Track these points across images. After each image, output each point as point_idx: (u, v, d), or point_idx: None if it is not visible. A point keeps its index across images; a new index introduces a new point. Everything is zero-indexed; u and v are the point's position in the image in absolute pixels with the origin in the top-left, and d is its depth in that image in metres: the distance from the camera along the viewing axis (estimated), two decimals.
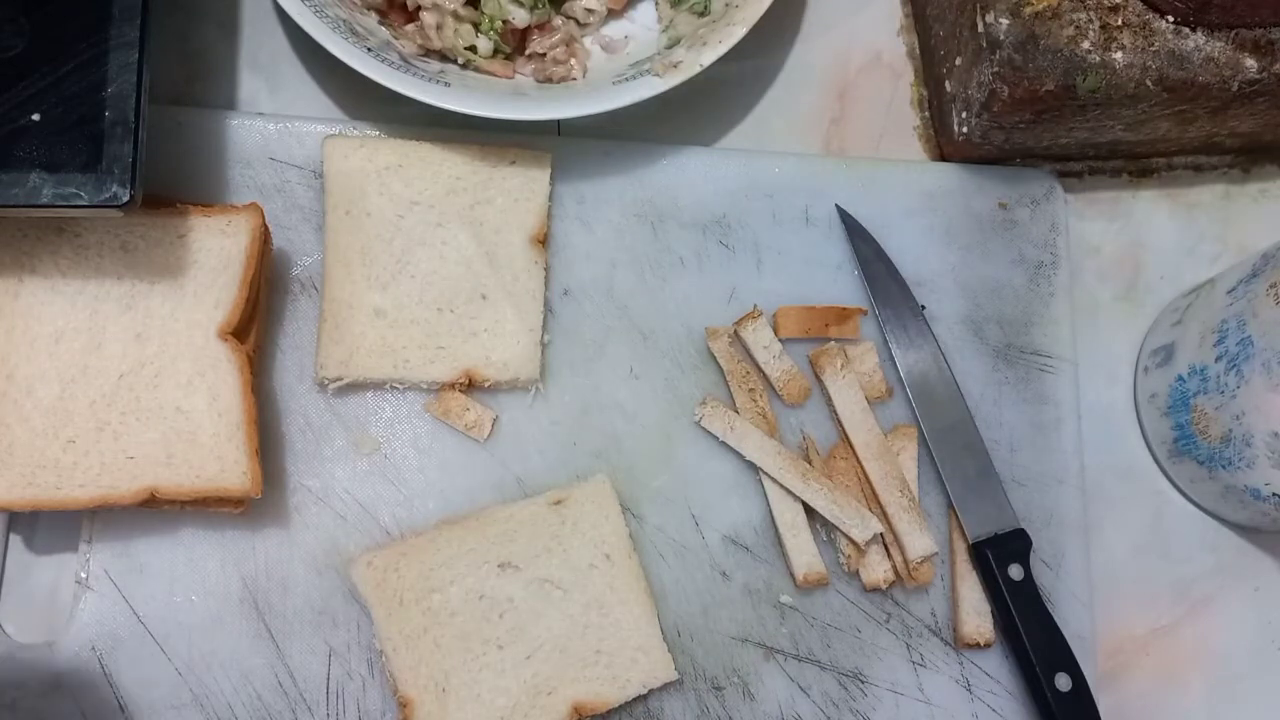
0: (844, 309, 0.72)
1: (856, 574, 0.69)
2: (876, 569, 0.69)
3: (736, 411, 0.70)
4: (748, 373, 0.71)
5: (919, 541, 0.68)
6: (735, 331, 0.71)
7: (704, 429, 0.70)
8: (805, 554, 0.68)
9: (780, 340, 0.71)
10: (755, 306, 0.72)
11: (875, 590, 0.69)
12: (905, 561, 0.68)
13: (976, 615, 0.69)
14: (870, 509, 0.69)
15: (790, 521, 0.69)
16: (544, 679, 0.64)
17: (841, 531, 0.68)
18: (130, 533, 0.65)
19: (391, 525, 0.67)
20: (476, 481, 0.68)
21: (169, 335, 0.64)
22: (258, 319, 0.67)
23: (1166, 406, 0.73)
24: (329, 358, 0.67)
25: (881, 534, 0.69)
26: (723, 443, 0.70)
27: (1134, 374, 0.78)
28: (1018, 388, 0.74)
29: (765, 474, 0.69)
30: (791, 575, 0.69)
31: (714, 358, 0.71)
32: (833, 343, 0.72)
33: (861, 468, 0.70)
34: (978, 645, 0.69)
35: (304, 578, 0.66)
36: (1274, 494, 0.67)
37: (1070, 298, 0.76)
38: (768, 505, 0.69)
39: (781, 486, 0.69)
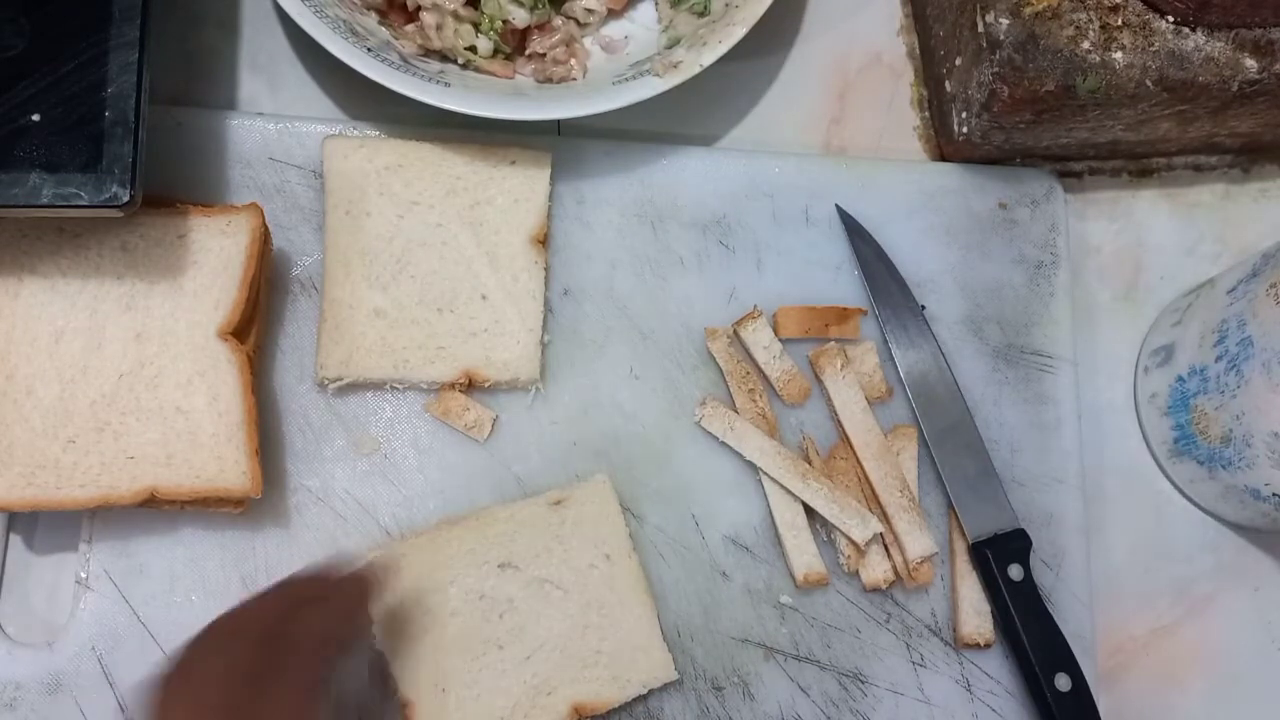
0: (844, 309, 0.72)
1: (856, 574, 0.69)
2: (876, 569, 0.69)
3: (736, 411, 0.70)
4: (747, 373, 0.71)
5: (919, 541, 0.68)
6: (735, 331, 0.71)
7: (704, 429, 0.70)
8: (805, 554, 0.68)
9: (780, 340, 0.71)
10: (755, 306, 0.72)
11: (875, 590, 0.69)
12: (905, 561, 0.68)
13: (976, 615, 0.69)
14: (870, 509, 0.69)
15: (790, 521, 0.69)
16: (544, 679, 0.64)
17: (841, 531, 0.68)
18: (130, 533, 0.65)
19: (391, 525, 0.67)
20: (476, 481, 0.68)
21: (169, 335, 0.64)
22: (258, 319, 0.66)
23: (1166, 406, 0.73)
24: (329, 358, 0.67)
25: (881, 534, 0.69)
26: (723, 443, 0.70)
27: (1134, 374, 0.78)
28: (1018, 388, 0.74)
29: (765, 474, 0.69)
30: (791, 575, 0.69)
31: (714, 358, 0.71)
32: (833, 343, 0.72)
33: (861, 468, 0.70)
34: (978, 645, 0.69)
35: None
36: (1274, 494, 0.67)
37: (1070, 298, 0.76)
38: (768, 505, 0.69)
39: (781, 486, 0.69)
